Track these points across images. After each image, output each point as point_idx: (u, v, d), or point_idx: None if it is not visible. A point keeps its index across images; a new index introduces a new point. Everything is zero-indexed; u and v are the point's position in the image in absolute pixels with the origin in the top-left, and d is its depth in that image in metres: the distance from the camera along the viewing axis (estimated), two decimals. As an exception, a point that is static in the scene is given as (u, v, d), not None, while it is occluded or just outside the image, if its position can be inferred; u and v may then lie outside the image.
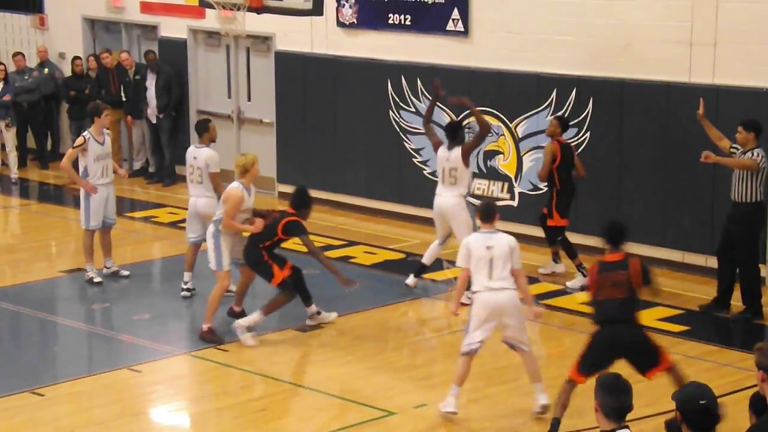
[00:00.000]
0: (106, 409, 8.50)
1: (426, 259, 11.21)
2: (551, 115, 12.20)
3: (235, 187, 9.75)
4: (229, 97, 15.49)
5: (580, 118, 12.17)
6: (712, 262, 11.06)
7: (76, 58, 16.20)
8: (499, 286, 8.06)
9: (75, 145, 11.05)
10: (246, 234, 9.78)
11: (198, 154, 10.59)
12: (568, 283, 11.26)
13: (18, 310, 10.65)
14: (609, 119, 11.87)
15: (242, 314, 9.93)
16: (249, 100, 15.40)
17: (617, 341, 7.59)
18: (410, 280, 11.18)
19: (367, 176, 14.10)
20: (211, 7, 12.59)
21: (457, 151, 10.73)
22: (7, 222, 14.93)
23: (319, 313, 10.18)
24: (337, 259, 12.29)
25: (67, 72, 16.44)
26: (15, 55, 16.46)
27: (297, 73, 14.48)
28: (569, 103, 12.24)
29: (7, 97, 15.76)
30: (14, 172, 15.92)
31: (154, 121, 15.65)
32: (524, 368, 8.36)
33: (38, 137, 16.67)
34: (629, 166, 11.91)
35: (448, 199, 10.80)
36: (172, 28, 15.62)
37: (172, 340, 9.94)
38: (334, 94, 14.19)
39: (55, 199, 15.08)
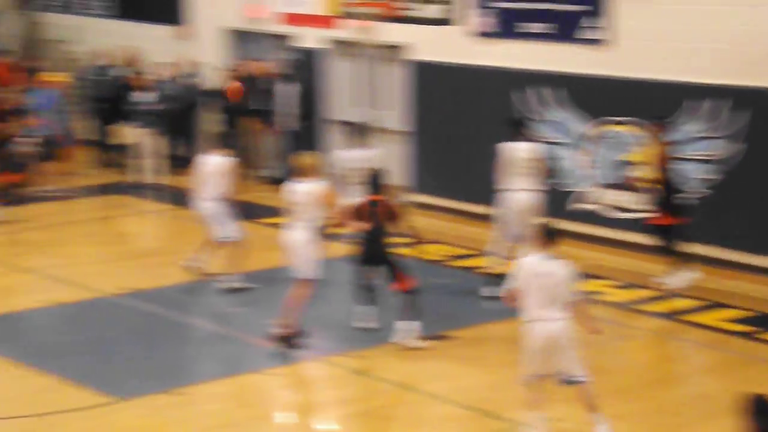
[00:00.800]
0: (243, 411, 8.62)
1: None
2: (704, 125, 11.92)
3: (324, 185, 9.76)
4: (362, 106, 15.60)
5: (731, 129, 11.80)
6: None
7: (217, 68, 16.59)
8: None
9: None
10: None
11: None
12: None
13: (159, 312, 10.93)
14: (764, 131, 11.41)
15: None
16: (383, 109, 15.48)
17: None
18: None
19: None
20: (346, 17, 12.70)
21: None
22: (147, 226, 15.36)
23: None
24: (467, 269, 12.25)
25: (208, 82, 16.83)
26: (158, 65, 16.96)
27: (432, 83, 14.48)
28: (718, 114, 11.89)
29: (155, 107, 16.25)
30: (153, 178, 16.36)
31: (288, 129, 15.88)
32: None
33: (177, 144, 17.11)
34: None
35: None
36: (308, 38, 15.84)
37: (308, 345, 10.03)
38: (470, 104, 14.13)
39: (191, 204, 15.42)
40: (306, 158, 10.00)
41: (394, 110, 15.24)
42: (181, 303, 11.35)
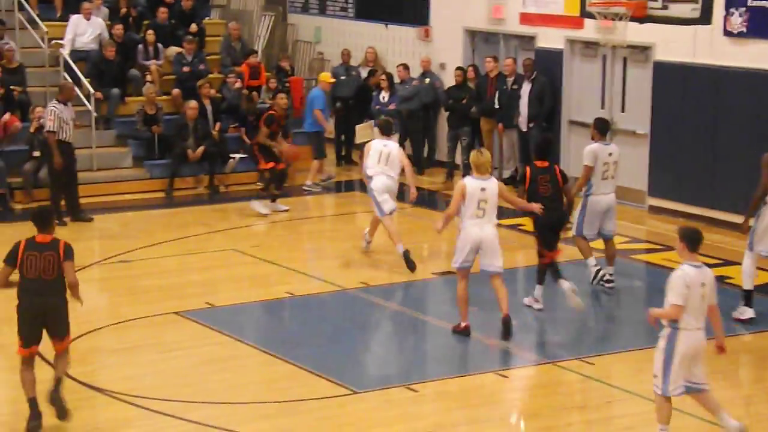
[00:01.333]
0: (472, 411, 8.65)
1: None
2: None
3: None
4: (603, 107, 15.29)
5: None
6: None
7: (457, 68, 16.71)
8: None
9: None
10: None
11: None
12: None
13: (396, 308, 11.14)
14: None
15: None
16: (623, 110, 15.11)
17: None
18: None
19: (746, 193, 13.30)
20: (592, 17, 12.46)
21: None
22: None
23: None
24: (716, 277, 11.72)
25: (449, 82, 17.01)
26: (399, 66, 17.28)
27: (676, 84, 14.00)
28: None
29: (392, 106, 16.59)
30: (394, 177, 16.66)
31: (524, 129, 15.78)
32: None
33: (416, 144, 17.37)
34: None
35: None
36: (550, 38, 15.68)
37: (539, 348, 9.93)
38: (716, 106, 13.56)
39: (428, 204, 15.64)
40: (484, 155, 10.00)
41: (635, 112, 14.84)
42: (418, 299, 11.52)
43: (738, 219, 13.37)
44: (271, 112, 14.86)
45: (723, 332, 7.68)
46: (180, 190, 15.79)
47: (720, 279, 11.59)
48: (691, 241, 7.54)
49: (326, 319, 10.85)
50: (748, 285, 10.44)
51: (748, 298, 10.44)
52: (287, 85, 17.79)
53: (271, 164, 14.59)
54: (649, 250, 12.84)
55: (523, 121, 15.70)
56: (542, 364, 9.56)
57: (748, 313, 10.37)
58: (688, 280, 7.38)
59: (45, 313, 7.98)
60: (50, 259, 7.92)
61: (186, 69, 16.98)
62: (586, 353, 9.65)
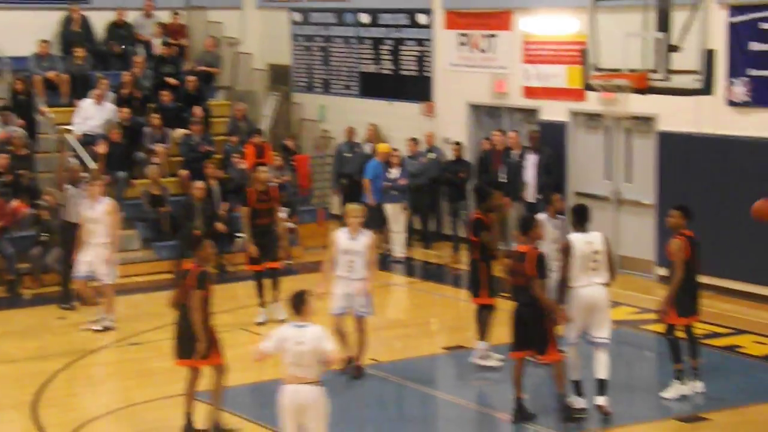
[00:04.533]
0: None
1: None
2: None
3: None
4: (608, 178, 15.36)
5: None
6: None
7: (455, 143, 16.87)
8: None
9: None
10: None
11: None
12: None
13: (403, 384, 11.06)
14: None
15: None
16: (628, 181, 15.17)
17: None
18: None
19: (756, 261, 13.34)
20: (594, 89, 12.60)
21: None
22: (394, 298, 15.67)
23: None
24: (723, 348, 11.68)
25: (451, 156, 17.14)
26: (409, 140, 17.41)
27: (681, 154, 14.08)
28: None
29: (402, 181, 16.69)
30: (400, 252, 16.72)
31: (532, 201, 15.83)
32: None
33: (423, 218, 17.43)
34: None
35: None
36: (553, 111, 15.83)
37: (552, 423, 9.85)
38: (721, 175, 13.63)
39: (437, 278, 15.61)
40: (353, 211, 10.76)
41: (640, 182, 14.90)
42: (427, 375, 11.44)
43: (745, 287, 13.39)
44: (248, 189, 13.31)
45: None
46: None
47: (730, 348, 11.63)
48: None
49: (337, 396, 10.75)
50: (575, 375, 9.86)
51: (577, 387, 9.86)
52: (293, 163, 17.91)
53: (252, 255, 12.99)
54: (658, 320, 12.78)
55: (530, 192, 15.76)
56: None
57: (579, 402, 9.80)
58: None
59: None
60: None
61: (193, 150, 17.14)
62: (607, 425, 9.56)
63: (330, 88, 19.66)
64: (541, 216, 11.20)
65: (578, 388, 9.81)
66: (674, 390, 10.08)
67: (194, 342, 9.31)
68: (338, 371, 10.62)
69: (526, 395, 9.77)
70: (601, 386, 9.73)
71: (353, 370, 10.94)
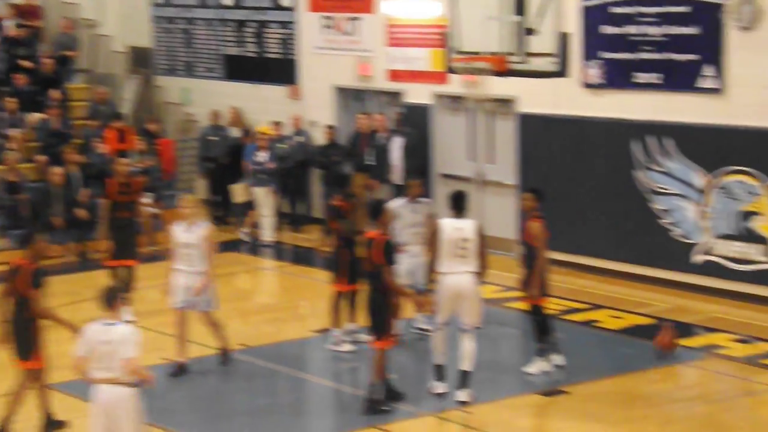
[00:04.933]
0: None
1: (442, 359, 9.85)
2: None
3: None
4: (471, 160, 15.64)
5: None
6: None
7: (328, 126, 16.88)
8: None
9: None
10: None
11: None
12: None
13: (273, 368, 11.06)
14: None
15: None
16: (491, 162, 15.48)
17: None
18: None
19: (611, 238, 13.81)
20: (456, 72, 12.81)
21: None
22: (264, 282, 15.62)
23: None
24: (581, 323, 12.08)
25: (319, 140, 17.14)
26: (271, 123, 17.33)
27: (540, 135, 14.44)
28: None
29: (270, 165, 16.60)
30: (270, 236, 16.66)
31: (400, 183, 15.97)
32: None
33: (292, 202, 17.40)
34: None
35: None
36: (417, 94, 15.99)
37: (417, 400, 10.00)
38: (578, 155, 14.03)
39: (306, 262, 15.64)
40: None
41: (502, 163, 15.22)
42: (298, 358, 11.45)
43: (603, 264, 13.86)
44: (108, 180, 12.85)
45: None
46: (47, 258, 15.33)
47: (588, 323, 12.05)
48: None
49: (203, 383, 10.69)
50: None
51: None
52: (156, 147, 17.62)
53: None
54: (522, 298, 13.09)
55: (397, 174, 15.90)
56: (423, 416, 9.61)
57: (439, 387, 9.76)
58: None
59: None
60: None
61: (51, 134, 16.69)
62: (471, 402, 9.70)
63: (193, 71, 19.39)
64: (399, 201, 11.28)
65: (439, 373, 9.76)
66: (537, 366, 10.36)
67: (26, 341, 8.97)
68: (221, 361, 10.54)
69: (394, 375, 9.88)
70: (464, 378, 9.60)
71: (222, 358, 10.88)
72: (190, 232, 10.57)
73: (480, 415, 9.45)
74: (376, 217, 9.63)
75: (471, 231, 9.58)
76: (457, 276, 9.50)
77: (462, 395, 9.51)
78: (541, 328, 10.38)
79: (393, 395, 9.71)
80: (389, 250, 9.43)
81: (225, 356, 10.92)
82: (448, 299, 9.57)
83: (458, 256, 9.48)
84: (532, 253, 10.27)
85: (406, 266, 10.86)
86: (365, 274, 9.77)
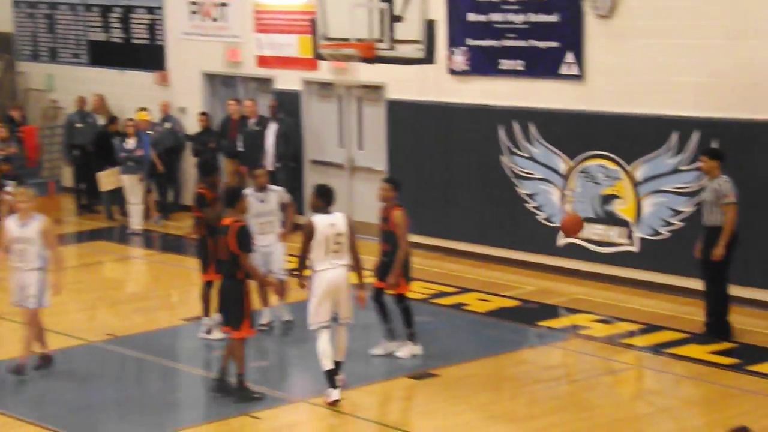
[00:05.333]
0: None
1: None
2: (679, 157, 12.07)
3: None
4: (341, 146, 15.71)
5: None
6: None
7: (201, 113, 16.71)
8: None
9: None
10: None
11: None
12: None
13: (143, 357, 10.93)
14: (735, 161, 11.35)
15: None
16: (361, 149, 15.59)
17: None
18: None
19: (479, 222, 14.08)
20: (324, 59, 12.83)
21: None
22: (132, 271, 15.39)
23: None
24: (450, 307, 12.30)
25: (190, 126, 16.94)
26: (140, 110, 17.04)
27: (408, 121, 14.61)
28: (691, 146, 12.02)
29: (139, 152, 16.32)
30: (138, 224, 16.41)
31: (271, 169, 15.93)
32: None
33: (162, 190, 17.16)
34: (758, 207, 11.55)
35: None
36: (287, 80, 15.97)
37: (289, 387, 10.04)
38: (446, 141, 14.25)
39: (176, 249, 15.47)
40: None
41: (372, 149, 15.34)
42: (168, 348, 11.35)
43: (470, 248, 14.12)
44: None
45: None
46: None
47: (457, 306, 12.28)
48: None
49: (72, 374, 10.49)
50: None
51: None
52: (19, 135, 17.14)
53: None
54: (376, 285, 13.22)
55: (269, 161, 15.87)
56: (295, 403, 9.66)
57: (333, 394, 9.43)
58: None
59: None
60: None
61: None
62: (341, 387, 9.76)
63: (57, 57, 18.91)
64: (246, 191, 11.17)
65: (332, 380, 9.42)
66: (407, 350, 10.51)
67: None
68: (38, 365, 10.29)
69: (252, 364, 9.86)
70: (337, 368, 9.43)
71: (40, 360, 10.41)
72: (24, 227, 10.11)
73: (351, 399, 9.55)
74: (231, 205, 9.56)
75: (343, 225, 9.52)
76: (333, 271, 9.43)
77: (334, 393, 9.35)
78: (406, 315, 10.54)
79: (226, 387, 9.61)
80: (244, 237, 9.34)
81: (43, 360, 10.44)
82: (327, 295, 9.42)
83: (333, 252, 9.42)
84: (393, 241, 10.36)
85: (259, 257, 10.74)
86: (220, 263, 9.65)
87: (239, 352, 9.53)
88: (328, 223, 9.44)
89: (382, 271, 10.44)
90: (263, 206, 11.12)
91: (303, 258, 9.50)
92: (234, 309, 9.46)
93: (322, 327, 9.43)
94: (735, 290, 11.19)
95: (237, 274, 9.40)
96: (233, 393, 9.57)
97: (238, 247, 9.30)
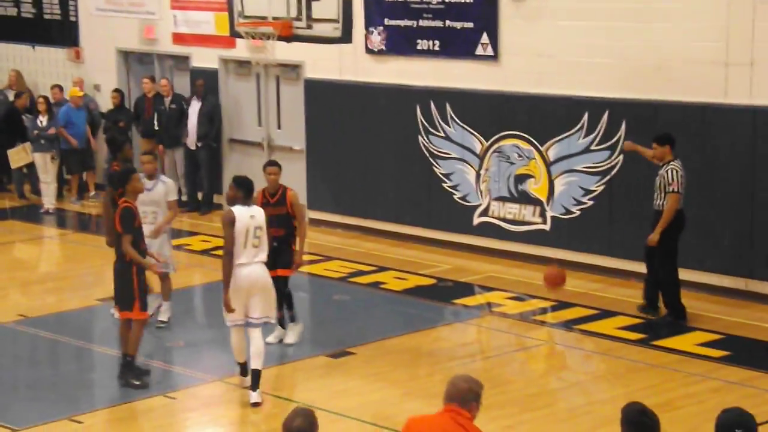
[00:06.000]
0: (143, 436, 8.60)
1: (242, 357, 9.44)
2: (584, 137, 12.29)
3: None
4: (260, 125, 15.66)
5: (613, 140, 12.18)
6: (754, 285, 11.17)
7: (114, 90, 16.48)
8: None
9: None
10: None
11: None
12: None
13: (56, 338, 10.80)
14: (642, 142, 11.57)
15: None
16: (279, 128, 15.55)
17: None
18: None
19: (397, 202, 14.19)
20: (241, 37, 12.76)
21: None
22: (45, 251, 15.15)
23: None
24: (368, 285, 12.39)
25: (103, 104, 16.70)
26: (52, 87, 16.74)
27: (326, 100, 14.62)
28: (601, 126, 12.27)
29: (52, 130, 16.03)
30: (51, 203, 16.15)
31: (192, 148, 15.81)
32: None
33: (71, 168, 16.89)
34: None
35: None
36: (204, 58, 15.83)
37: (205, 367, 10.03)
38: (364, 121, 14.31)
39: (90, 229, 15.26)
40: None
41: (290, 128, 15.32)
42: (82, 328, 11.23)
43: (387, 227, 14.23)
44: None
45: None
46: None
47: (374, 285, 12.37)
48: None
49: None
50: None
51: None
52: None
53: None
54: (311, 261, 13.29)
55: (191, 140, 15.74)
56: (211, 382, 9.66)
57: (253, 397, 9.12)
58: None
59: None
60: None
61: None
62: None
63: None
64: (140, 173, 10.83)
65: (245, 372, 9.31)
66: (293, 333, 10.43)
67: None
68: None
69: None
70: (256, 379, 9.06)
71: None
72: None
73: (270, 378, 9.58)
74: (116, 186, 9.43)
75: (262, 218, 9.15)
76: (249, 267, 9.03)
77: (254, 396, 9.09)
78: (291, 296, 10.44)
79: (137, 373, 9.54)
80: (124, 218, 9.21)
81: None
82: (243, 291, 9.03)
83: (253, 246, 9.03)
84: (286, 225, 10.12)
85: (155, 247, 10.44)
86: (112, 243, 9.58)
87: (135, 334, 9.39)
88: (248, 215, 9.04)
89: (275, 258, 9.83)
90: (147, 195, 10.35)
91: (232, 254, 8.94)
92: (124, 290, 9.38)
93: (234, 325, 9.19)
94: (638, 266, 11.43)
95: (125, 255, 9.33)
96: (122, 374, 9.45)
97: (119, 227, 9.23)
